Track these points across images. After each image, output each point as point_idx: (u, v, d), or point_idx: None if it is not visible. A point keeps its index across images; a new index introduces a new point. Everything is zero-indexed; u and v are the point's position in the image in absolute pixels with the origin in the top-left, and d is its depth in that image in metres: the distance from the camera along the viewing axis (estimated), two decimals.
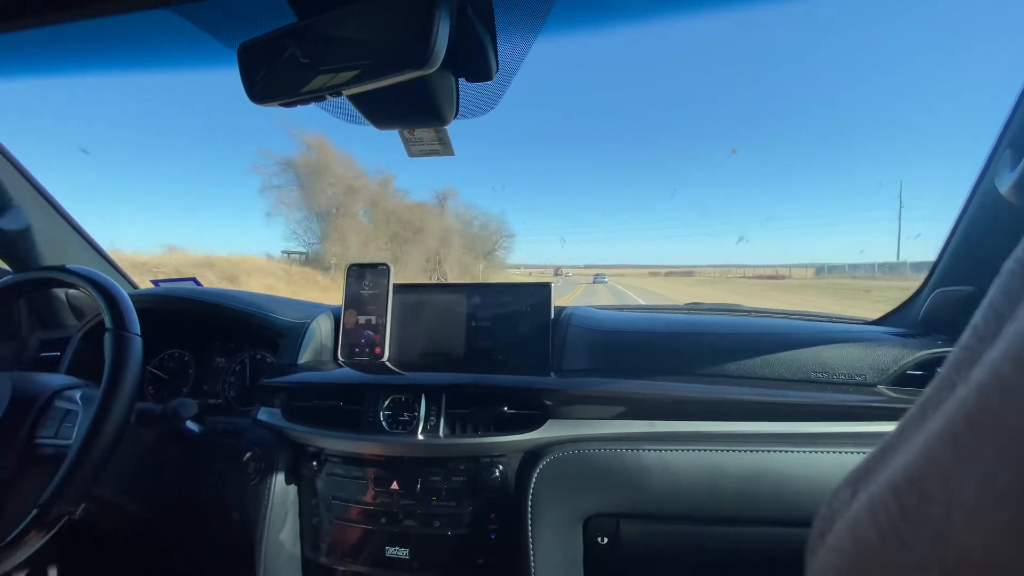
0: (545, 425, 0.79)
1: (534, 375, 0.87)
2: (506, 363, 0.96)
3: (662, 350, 0.86)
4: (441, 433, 0.80)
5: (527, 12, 0.72)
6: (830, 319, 1.15)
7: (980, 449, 0.12)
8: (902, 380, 0.80)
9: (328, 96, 0.66)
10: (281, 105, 0.68)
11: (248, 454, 0.86)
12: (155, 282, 1.36)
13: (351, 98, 0.70)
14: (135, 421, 0.83)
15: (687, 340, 0.87)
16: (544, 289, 0.99)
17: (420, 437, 0.80)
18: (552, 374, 0.87)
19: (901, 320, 0.99)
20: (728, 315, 1.21)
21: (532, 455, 0.79)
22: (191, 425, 0.95)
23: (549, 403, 0.80)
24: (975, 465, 0.12)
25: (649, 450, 0.76)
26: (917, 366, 0.79)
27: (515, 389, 0.82)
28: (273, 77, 0.65)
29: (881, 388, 0.79)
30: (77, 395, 0.77)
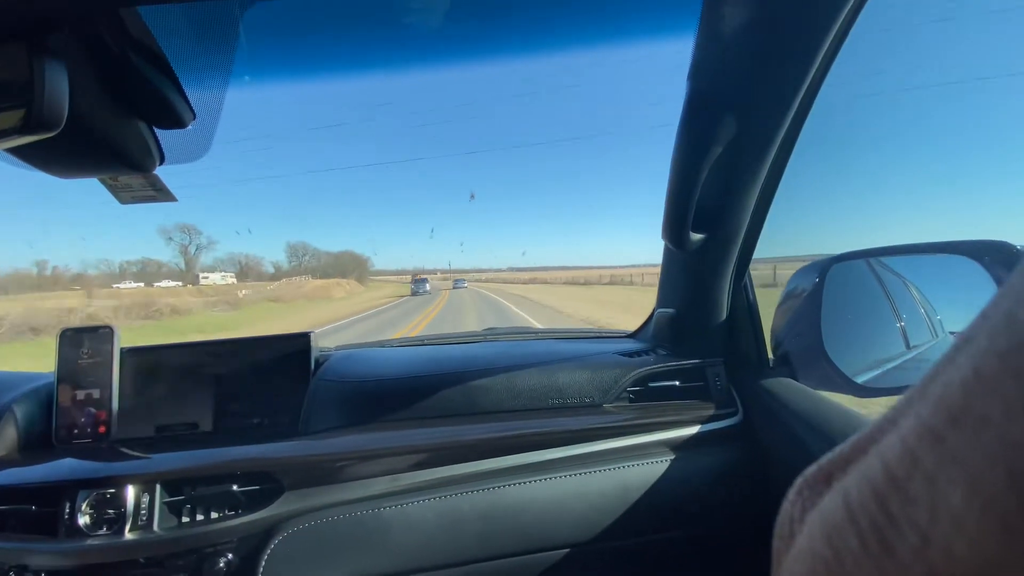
0: (280, 499, 0.74)
1: (279, 441, 0.81)
2: (263, 426, 0.89)
3: (412, 395, 0.86)
4: (156, 527, 0.71)
5: (208, 62, 0.68)
6: (599, 335, 1.26)
7: (965, 449, 0.11)
8: (624, 397, 0.89)
9: None
10: None
11: None
12: None
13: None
14: None
15: (439, 381, 0.88)
16: (302, 340, 0.93)
17: (128, 536, 0.70)
18: (299, 437, 0.82)
19: (645, 334, 1.12)
20: (517, 339, 1.27)
21: (267, 535, 0.73)
22: None
23: (284, 474, 0.75)
24: (960, 466, 0.11)
25: (390, 507, 0.75)
26: (634, 383, 0.89)
27: (244, 462, 0.75)
28: None
29: (606, 407, 0.88)
30: None
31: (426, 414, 0.85)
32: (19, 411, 0.85)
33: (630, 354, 0.96)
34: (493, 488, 0.77)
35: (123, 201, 0.80)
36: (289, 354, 0.92)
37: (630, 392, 0.90)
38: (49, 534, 0.71)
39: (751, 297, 0.91)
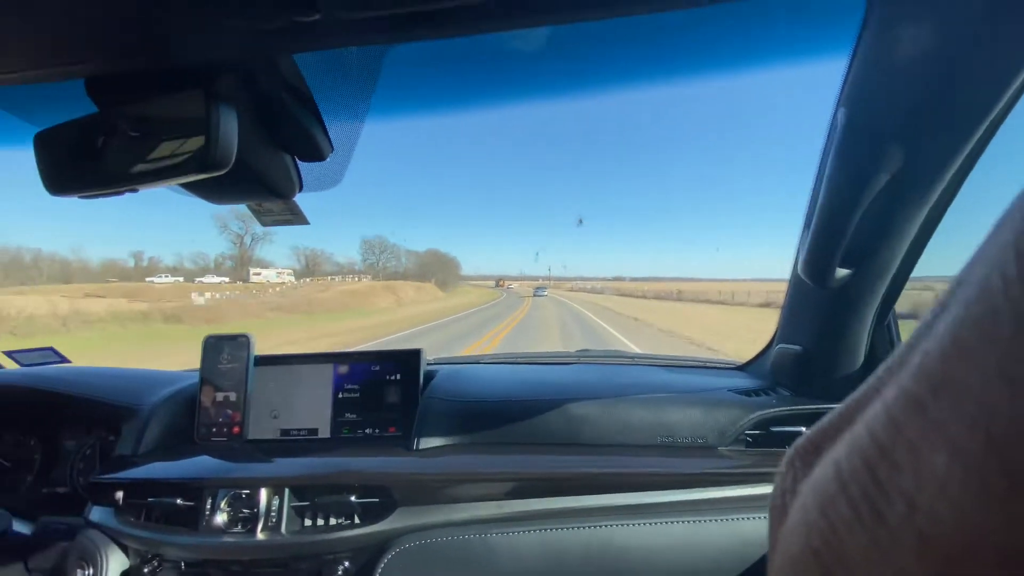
0: (394, 514, 0.76)
1: (393, 455, 0.84)
2: (375, 436, 0.93)
3: (516, 418, 0.86)
4: (284, 530, 0.76)
5: (349, 98, 0.72)
6: (704, 364, 1.19)
7: (946, 416, 0.11)
8: (741, 440, 0.83)
9: (125, 191, 0.64)
10: (80, 196, 0.64)
11: (71, 560, 0.79)
12: (11, 354, 1.25)
13: None
14: None
15: (542, 406, 0.87)
16: (413, 357, 0.97)
17: (260, 536, 0.76)
18: (412, 453, 0.85)
19: (759, 368, 1.04)
20: (613, 363, 1.23)
21: (380, 548, 0.76)
22: (19, 528, 0.87)
23: (397, 490, 0.77)
24: (942, 433, 0.11)
25: (497, 533, 0.75)
26: (754, 426, 0.82)
27: (361, 474, 0.79)
28: (71, 169, 0.62)
29: (721, 451, 0.82)
30: None
31: (530, 439, 0.84)
32: (165, 409, 0.95)
33: (747, 392, 0.89)
34: (598, 527, 0.75)
35: (264, 224, 0.88)
36: (401, 369, 0.96)
37: (748, 436, 0.83)
38: (190, 529, 0.79)
39: (895, 339, 0.81)
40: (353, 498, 0.77)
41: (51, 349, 1.24)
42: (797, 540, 0.15)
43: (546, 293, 47.64)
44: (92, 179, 0.61)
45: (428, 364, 1.11)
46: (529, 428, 0.85)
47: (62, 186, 0.62)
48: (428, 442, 0.85)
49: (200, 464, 0.87)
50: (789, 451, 0.19)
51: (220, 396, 0.96)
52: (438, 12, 0.50)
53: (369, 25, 0.51)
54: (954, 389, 0.11)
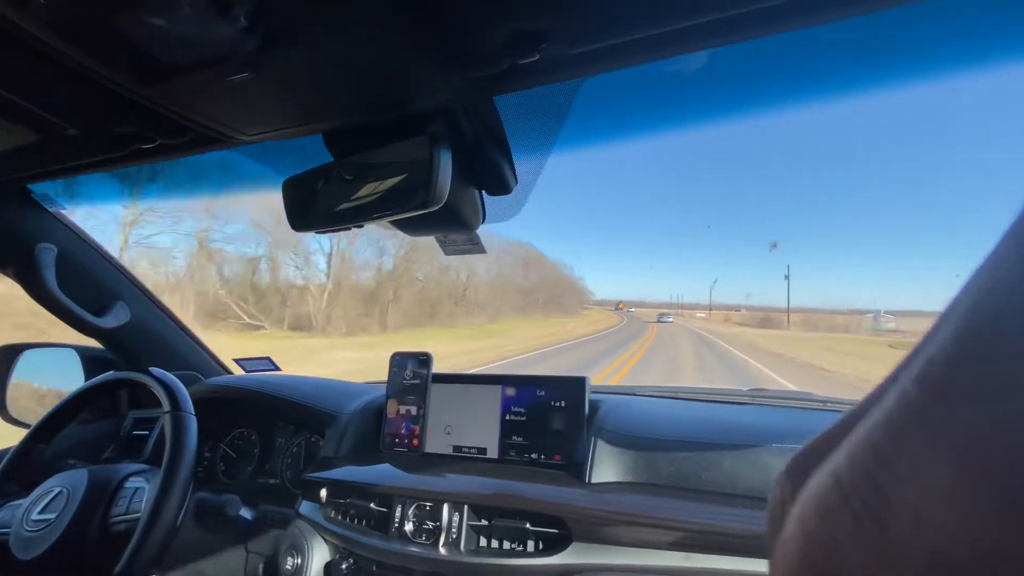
0: (570, 548, 0.74)
1: (564, 485, 0.83)
2: (540, 462, 0.93)
3: (692, 461, 0.78)
4: (462, 548, 0.79)
5: (537, 134, 0.75)
6: None
7: (949, 425, 0.11)
8: None
9: (353, 227, 0.73)
10: (316, 232, 0.75)
11: (284, 548, 0.90)
12: (238, 361, 1.51)
13: None
14: (194, 509, 0.91)
15: (728, 450, 0.78)
16: (578, 385, 0.95)
17: (442, 551, 0.79)
18: (585, 486, 0.82)
19: None
20: (796, 406, 1.08)
21: None
22: (244, 512, 1.02)
23: (573, 523, 0.75)
24: (945, 443, 0.11)
25: None
26: None
27: (537, 502, 0.78)
28: (310, 209, 0.73)
29: None
30: (146, 474, 0.87)
31: (714, 487, 0.76)
32: (360, 418, 1.06)
33: None
34: None
35: (447, 253, 0.94)
36: (566, 396, 0.95)
37: None
38: (381, 533, 0.85)
39: None
40: (528, 525, 0.77)
41: (268, 359, 1.48)
42: (795, 551, 0.15)
43: (672, 319, 45.35)
44: (327, 218, 0.71)
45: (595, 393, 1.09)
46: (712, 473, 0.77)
47: (303, 224, 0.74)
48: (601, 475, 0.82)
49: (386, 472, 0.94)
50: (788, 463, 0.18)
51: (403, 409, 1.05)
52: (648, 38, 0.50)
53: (582, 58, 0.53)
54: (958, 396, 0.11)
